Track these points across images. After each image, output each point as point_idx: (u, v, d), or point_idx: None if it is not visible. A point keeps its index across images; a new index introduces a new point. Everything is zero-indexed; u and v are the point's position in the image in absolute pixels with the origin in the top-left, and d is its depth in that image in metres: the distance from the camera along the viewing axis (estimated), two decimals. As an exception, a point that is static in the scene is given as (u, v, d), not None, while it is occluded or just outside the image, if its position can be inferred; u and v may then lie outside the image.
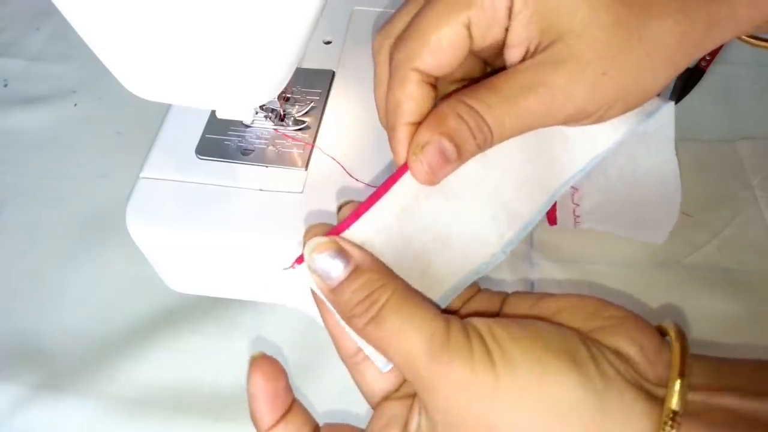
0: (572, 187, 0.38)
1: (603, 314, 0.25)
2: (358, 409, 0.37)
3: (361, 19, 0.47)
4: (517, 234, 0.28)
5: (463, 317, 0.24)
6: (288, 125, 0.41)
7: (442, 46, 0.26)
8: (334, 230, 0.26)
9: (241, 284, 0.42)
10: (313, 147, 0.40)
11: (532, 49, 0.26)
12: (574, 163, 0.28)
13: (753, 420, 0.22)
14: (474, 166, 0.27)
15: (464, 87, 0.27)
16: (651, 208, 0.40)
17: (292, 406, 0.27)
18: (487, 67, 0.30)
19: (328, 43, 0.45)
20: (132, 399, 0.40)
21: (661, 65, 0.26)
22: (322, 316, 0.27)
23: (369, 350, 0.25)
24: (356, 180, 0.38)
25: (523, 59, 0.26)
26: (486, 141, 0.25)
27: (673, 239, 0.42)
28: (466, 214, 0.27)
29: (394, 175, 0.27)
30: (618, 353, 0.23)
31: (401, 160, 0.27)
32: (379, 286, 0.24)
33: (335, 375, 0.40)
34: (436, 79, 0.27)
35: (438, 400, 0.23)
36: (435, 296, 0.26)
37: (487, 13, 0.26)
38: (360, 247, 0.25)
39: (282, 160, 0.39)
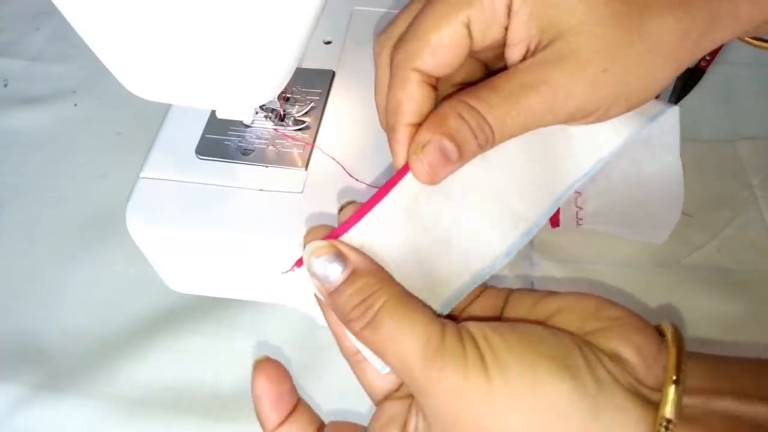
0: (576, 191, 0.38)
1: (602, 315, 0.25)
2: (359, 408, 0.37)
3: (361, 19, 0.47)
4: (520, 237, 0.28)
5: (465, 319, 0.24)
6: (288, 125, 0.41)
7: (442, 46, 0.26)
8: (335, 232, 0.26)
9: (241, 284, 0.42)
10: (313, 147, 0.39)
11: (532, 47, 0.26)
12: (579, 166, 0.28)
13: (753, 425, 0.21)
14: (475, 168, 0.27)
15: (465, 88, 0.27)
16: (653, 209, 0.40)
17: (297, 405, 0.27)
18: (487, 71, 0.30)
19: (328, 43, 0.45)
20: (132, 399, 0.40)
21: (662, 62, 0.26)
22: (325, 314, 0.27)
23: (367, 353, 0.25)
24: (356, 180, 0.38)
25: (524, 58, 0.26)
26: (487, 141, 0.25)
27: (672, 239, 0.42)
28: (469, 216, 0.27)
29: (395, 176, 0.27)
30: (615, 357, 0.23)
31: (400, 163, 0.27)
32: (375, 290, 0.24)
33: (335, 375, 0.40)
34: (437, 80, 0.27)
35: (433, 404, 0.23)
36: (438, 299, 0.26)
37: (486, 11, 0.26)
38: (358, 251, 0.25)
39: (282, 160, 0.39)
